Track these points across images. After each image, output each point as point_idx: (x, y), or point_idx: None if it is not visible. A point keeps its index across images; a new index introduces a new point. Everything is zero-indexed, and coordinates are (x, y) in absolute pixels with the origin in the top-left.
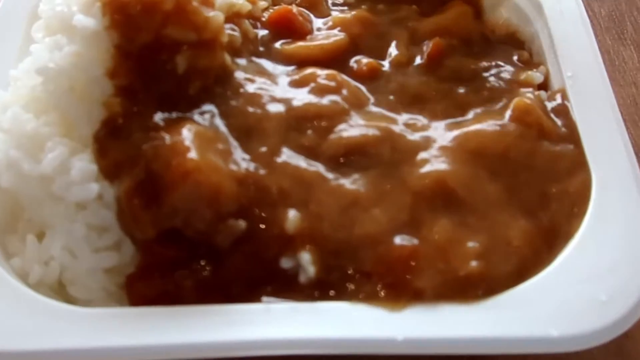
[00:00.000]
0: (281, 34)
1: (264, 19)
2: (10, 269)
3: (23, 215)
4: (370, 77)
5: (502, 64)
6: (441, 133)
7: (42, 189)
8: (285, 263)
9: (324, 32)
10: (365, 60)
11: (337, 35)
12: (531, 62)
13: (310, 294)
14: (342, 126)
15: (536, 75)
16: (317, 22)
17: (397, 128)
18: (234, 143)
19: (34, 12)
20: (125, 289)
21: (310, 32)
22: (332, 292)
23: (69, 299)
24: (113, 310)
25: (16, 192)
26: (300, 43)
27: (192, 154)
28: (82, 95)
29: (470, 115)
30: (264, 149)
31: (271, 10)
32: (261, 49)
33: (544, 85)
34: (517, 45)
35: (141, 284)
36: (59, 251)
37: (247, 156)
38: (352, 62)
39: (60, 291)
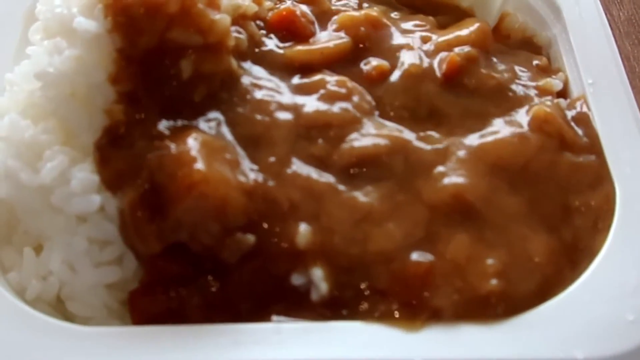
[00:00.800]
0: (283, 37)
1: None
2: (7, 284)
3: (18, 227)
4: (380, 81)
5: (519, 70)
6: (458, 144)
7: (41, 200)
8: (296, 279)
9: (328, 34)
10: (375, 62)
11: (341, 39)
12: (550, 68)
13: (323, 313)
14: (353, 135)
15: (555, 82)
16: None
17: (412, 138)
18: (241, 152)
19: (30, 12)
20: (127, 305)
21: (313, 34)
22: (345, 311)
23: (68, 316)
24: (114, 329)
25: (13, 202)
26: (300, 47)
27: (199, 165)
28: (83, 101)
29: (487, 125)
30: (272, 158)
31: (275, 10)
32: (264, 48)
33: (562, 93)
34: (533, 50)
35: (144, 300)
36: (58, 265)
37: (255, 166)
38: (363, 64)
39: (59, 308)
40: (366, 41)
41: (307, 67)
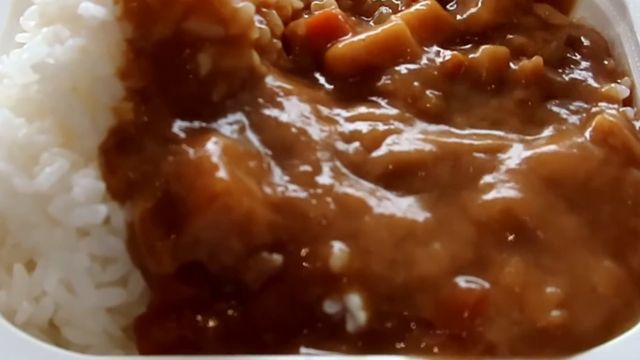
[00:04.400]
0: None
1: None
2: None
3: (6, 240)
4: (452, 76)
5: (579, 73)
6: (510, 153)
7: (36, 210)
8: (329, 307)
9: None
10: (449, 52)
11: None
12: (614, 71)
13: (359, 345)
14: (392, 138)
15: (621, 89)
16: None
17: (459, 143)
18: (267, 160)
19: None
20: (133, 333)
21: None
22: (385, 344)
23: (62, 343)
24: (117, 359)
25: (2, 211)
26: (343, 43)
27: (221, 173)
28: (87, 97)
29: (544, 132)
30: (303, 167)
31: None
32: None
33: (628, 100)
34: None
35: (153, 327)
36: (54, 285)
37: (284, 176)
38: (432, 54)
39: (52, 333)
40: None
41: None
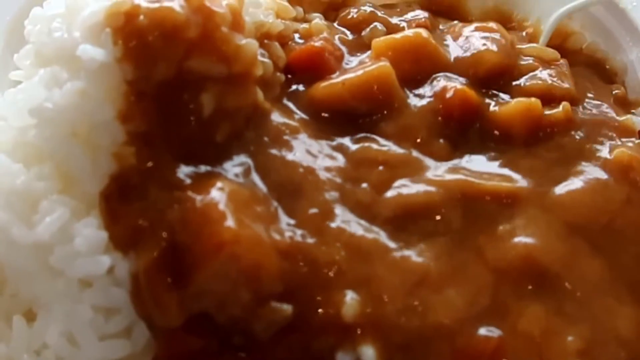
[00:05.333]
0: (305, 78)
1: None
2: None
3: (4, 290)
4: (460, 119)
5: (592, 103)
6: (528, 196)
7: (36, 260)
8: (342, 358)
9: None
10: (451, 84)
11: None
12: (627, 100)
13: None
14: (401, 181)
15: (636, 120)
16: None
17: (475, 184)
18: (274, 204)
19: (14, 27)
20: None
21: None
22: None
23: None
24: None
25: (1, 261)
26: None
27: (229, 222)
28: (87, 142)
29: (560, 171)
30: (313, 210)
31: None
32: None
33: None
34: (605, 78)
35: None
36: (56, 338)
37: (292, 220)
38: (436, 84)
39: None
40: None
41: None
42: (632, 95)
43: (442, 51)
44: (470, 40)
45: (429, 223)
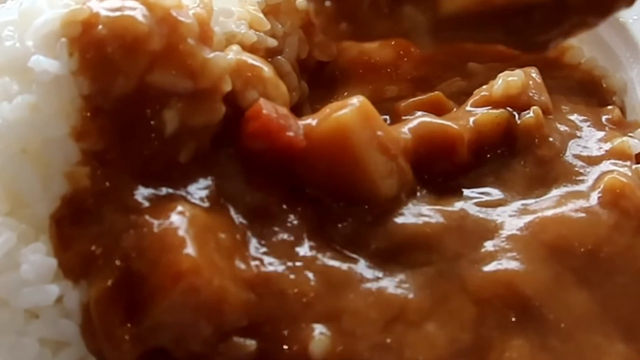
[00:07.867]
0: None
1: None
2: None
3: None
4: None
5: (584, 124)
6: (511, 216)
7: None
8: None
9: None
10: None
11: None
12: (624, 122)
13: None
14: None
15: (634, 143)
16: None
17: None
18: (242, 230)
19: None
20: None
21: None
22: None
23: None
24: None
25: None
26: None
27: (189, 249)
28: (37, 160)
29: (547, 194)
30: (282, 235)
31: None
32: None
33: None
34: (601, 97)
35: None
36: None
37: (260, 247)
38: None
39: None
40: None
41: None
42: (632, 115)
43: None
44: None
45: (413, 254)
